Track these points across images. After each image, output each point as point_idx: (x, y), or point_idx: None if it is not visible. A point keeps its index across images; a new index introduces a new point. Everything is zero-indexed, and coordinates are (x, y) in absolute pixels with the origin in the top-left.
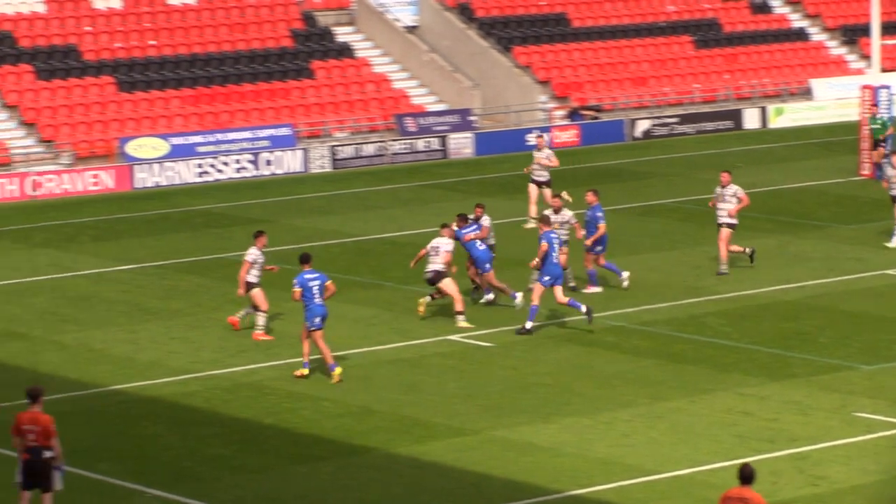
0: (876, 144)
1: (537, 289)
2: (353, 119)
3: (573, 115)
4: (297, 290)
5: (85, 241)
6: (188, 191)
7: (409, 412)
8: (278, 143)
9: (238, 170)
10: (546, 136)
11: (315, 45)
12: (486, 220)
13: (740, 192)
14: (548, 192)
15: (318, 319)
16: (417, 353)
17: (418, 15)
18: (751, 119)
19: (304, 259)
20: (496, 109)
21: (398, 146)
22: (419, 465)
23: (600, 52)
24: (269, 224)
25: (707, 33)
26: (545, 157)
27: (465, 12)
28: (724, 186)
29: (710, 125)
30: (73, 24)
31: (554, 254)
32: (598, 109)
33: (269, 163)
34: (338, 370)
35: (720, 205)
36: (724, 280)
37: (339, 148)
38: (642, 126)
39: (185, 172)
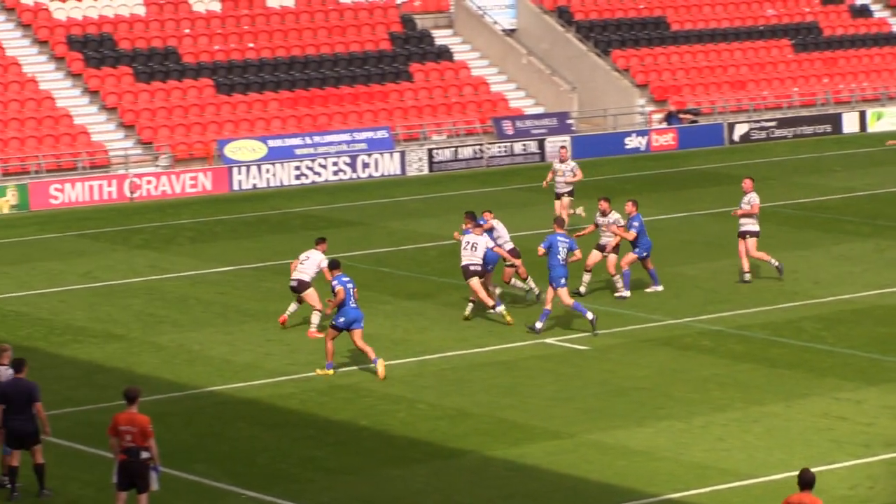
0: None
1: (548, 293)
2: (451, 122)
3: (670, 118)
4: (341, 289)
5: (183, 242)
6: (286, 193)
7: (504, 415)
8: (376, 145)
9: (335, 172)
10: (569, 148)
11: (413, 47)
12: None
13: (755, 199)
14: (567, 200)
15: (343, 320)
16: (514, 356)
17: (517, 18)
18: (849, 123)
19: (334, 265)
20: (594, 113)
21: (495, 149)
22: (514, 469)
23: (699, 56)
24: (365, 227)
25: (806, 37)
26: (569, 169)
27: (564, 15)
28: (746, 193)
29: (808, 129)
30: (172, 26)
31: (559, 256)
32: (696, 113)
33: (366, 165)
34: (381, 361)
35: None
36: (820, 284)
37: (437, 151)
38: (740, 130)
39: (282, 175)
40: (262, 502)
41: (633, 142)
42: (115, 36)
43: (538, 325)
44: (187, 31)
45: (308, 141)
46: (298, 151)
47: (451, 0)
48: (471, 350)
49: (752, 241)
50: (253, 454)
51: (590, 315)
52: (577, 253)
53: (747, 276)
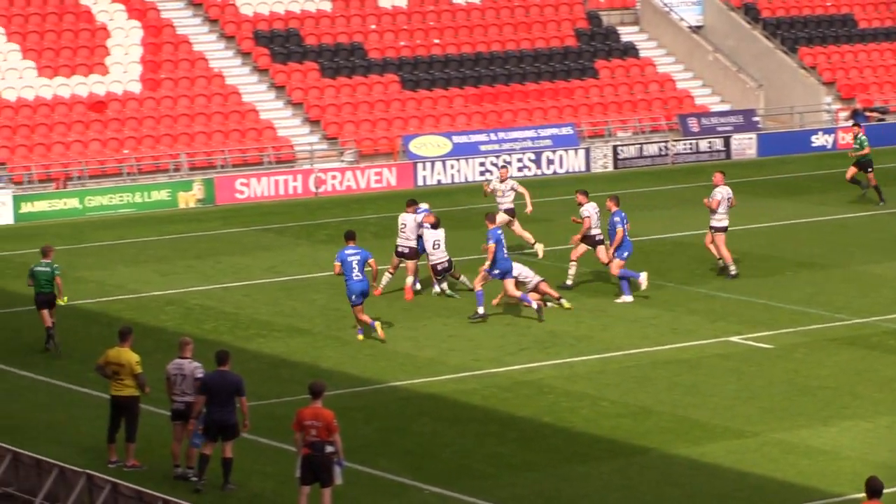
0: (860, 167)
1: (481, 278)
2: (636, 119)
3: (856, 116)
4: (337, 264)
5: (367, 237)
6: (470, 189)
7: (687, 413)
8: (561, 142)
9: (520, 169)
10: (509, 168)
11: (599, 44)
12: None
13: (719, 194)
14: (504, 218)
15: (353, 296)
16: (697, 354)
17: (703, 14)
18: None
19: (348, 236)
20: (780, 110)
21: (681, 146)
22: (697, 467)
23: (887, 54)
24: (549, 223)
25: None
26: (508, 188)
27: (751, 12)
28: (716, 187)
29: None
30: (358, 22)
31: (504, 249)
32: (883, 111)
33: (550, 162)
34: (378, 324)
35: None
36: None
37: (622, 147)
38: None
39: (467, 170)
40: (444, 498)
41: (819, 139)
42: (302, 31)
43: (480, 309)
44: (373, 26)
45: (493, 137)
46: (483, 147)
47: None
48: (653, 348)
49: (718, 237)
50: (436, 450)
51: (534, 304)
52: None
53: (732, 270)
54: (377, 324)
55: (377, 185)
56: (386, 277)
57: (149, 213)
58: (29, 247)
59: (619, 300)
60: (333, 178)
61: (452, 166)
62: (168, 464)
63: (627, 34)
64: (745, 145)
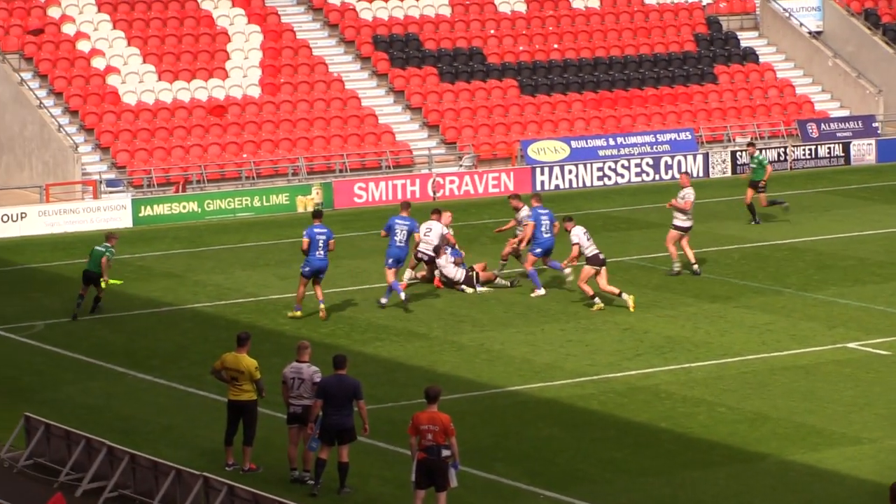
0: (756, 188)
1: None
2: (755, 124)
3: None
4: (306, 240)
5: (485, 242)
6: (587, 194)
7: (804, 419)
8: (679, 147)
9: (638, 174)
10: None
11: (719, 49)
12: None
13: (690, 195)
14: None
15: (308, 269)
16: (813, 360)
17: (823, 20)
18: None
19: (316, 215)
20: None
21: (800, 152)
22: (813, 474)
23: None
24: (666, 229)
25: None
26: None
27: (871, 18)
28: (682, 188)
29: None
30: (477, 26)
31: (396, 238)
32: None
33: (669, 167)
34: (322, 306)
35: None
36: None
37: (741, 153)
38: None
39: (585, 176)
40: (559, 502)
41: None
42: (421, 36)
43: (383, 300)
44: (492, 31)
45: (611, 142)
46: (601, 153)
47: (756, 2)
48: (771, 354)
49: (674, 233)
50: (552, 454)
51: (403, 295)
52: (417, 236)
53: (696, 268)
54: (322, 306)
55: (494, 189)
56: (408, 273)
57: (267, 217)
58: (148, 251)
59: (533, 294)
60: (451, 182)
61: (570, 171)
62: (285, 467)
63: (747, 39)
64: (864, 151)
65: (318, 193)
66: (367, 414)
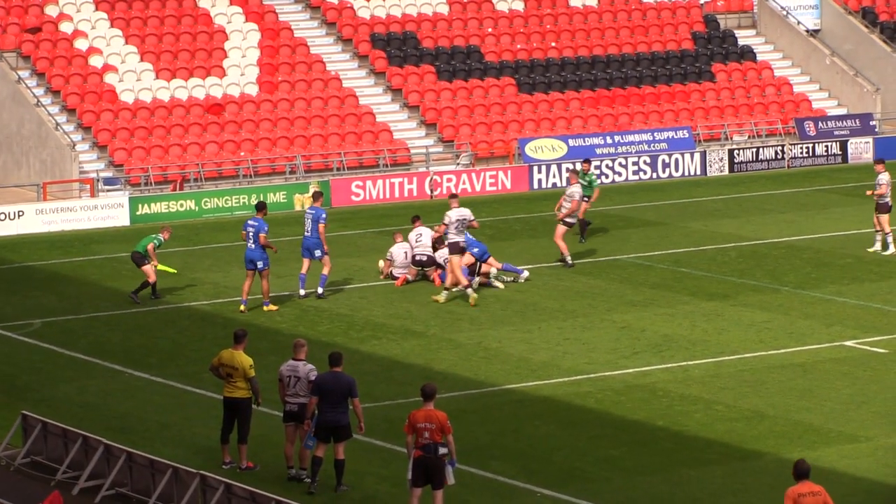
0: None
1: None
2: (753, 122)
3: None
4: (244, 232)
5: (482, 240)
6: None
7: (801, 417)
8: (676, 145)
9: (635, 172)
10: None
11: (716, 47)
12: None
13: (577, 193)
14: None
15: (246, 262)
16: (811, 359)
17: (820, 18)
18: None
19: (259, 207)
20: None
21: (797, 150)
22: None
23: None
24: (663, 226)
25: None
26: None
27: (868, 16)
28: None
29: None
30: (474, 25)
31: (307, 227)
32: None
33: (666, 165)
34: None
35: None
36: None
37: (738, 151)
38: None
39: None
40: (556, 500)
41: None
42: (419, 34)
43: (301, 291)
44: (490, 29)
45: (609, 140)
46: (599, 151)
47: (754, 0)
48: (768, 352)
49: (561, 228)
50: (549, 452)
51: (302, 292)
52: (320, 227)
53: (568, 259)
54: (266, 307)
55: (492, 188)
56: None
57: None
58: None
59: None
60: (449, 180)
61: (568, 169)
62: (282, 465)
63: (744, 37)
64: (861, 149)
65: (316, 184)
66: (363, 412)
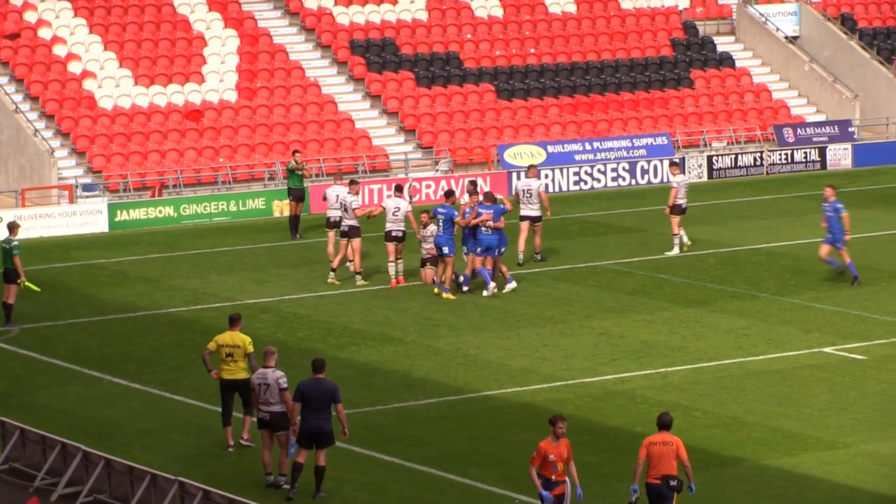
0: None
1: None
2: (731, 129)
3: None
4: (435, 218)
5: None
6: (564, 199)
7: (779, 424)
8: (655, 152)
9: (614, 178)
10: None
11: (695, 54)
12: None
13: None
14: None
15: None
16: (789, 365)
17: (799, 25)
18: None
19: (448, 194)
20: (876, 121)
21: (776, 157)
22: (789, 478)
23: None
24: (642, 233)
25: None
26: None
27: (847, 23)
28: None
29: None
30: (454, 31)
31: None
32: None
33: (645, 172)
34: None
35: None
36: None
37: (717, 158)
38: None
39: (561, 180)
40: None
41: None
42: (398, 41)
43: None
44: (469, 36)
45: (588, 147)
46: (578, 157)
47: (733, 6)
48: (746, 358)
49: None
50: (527, 459)
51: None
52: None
53: (521, 257)
54: None
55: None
56: (391, 267)
57: (243, 222)
58: (123, 255)
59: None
60: (428, 187)
61: (547, 176)
62: (260, 472)
63: (723, 44)
64: (840, 156)
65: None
66: (346, 418)
